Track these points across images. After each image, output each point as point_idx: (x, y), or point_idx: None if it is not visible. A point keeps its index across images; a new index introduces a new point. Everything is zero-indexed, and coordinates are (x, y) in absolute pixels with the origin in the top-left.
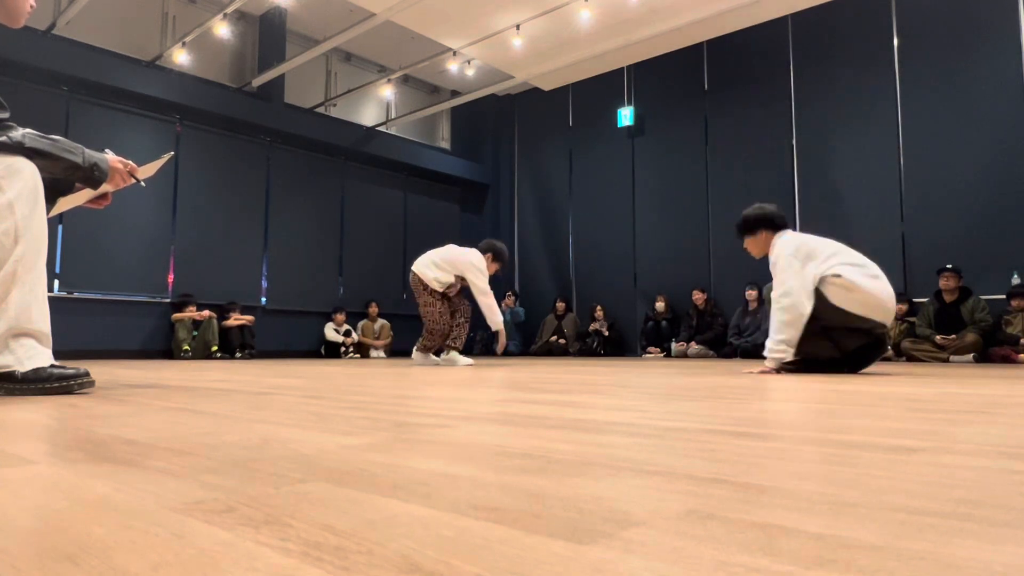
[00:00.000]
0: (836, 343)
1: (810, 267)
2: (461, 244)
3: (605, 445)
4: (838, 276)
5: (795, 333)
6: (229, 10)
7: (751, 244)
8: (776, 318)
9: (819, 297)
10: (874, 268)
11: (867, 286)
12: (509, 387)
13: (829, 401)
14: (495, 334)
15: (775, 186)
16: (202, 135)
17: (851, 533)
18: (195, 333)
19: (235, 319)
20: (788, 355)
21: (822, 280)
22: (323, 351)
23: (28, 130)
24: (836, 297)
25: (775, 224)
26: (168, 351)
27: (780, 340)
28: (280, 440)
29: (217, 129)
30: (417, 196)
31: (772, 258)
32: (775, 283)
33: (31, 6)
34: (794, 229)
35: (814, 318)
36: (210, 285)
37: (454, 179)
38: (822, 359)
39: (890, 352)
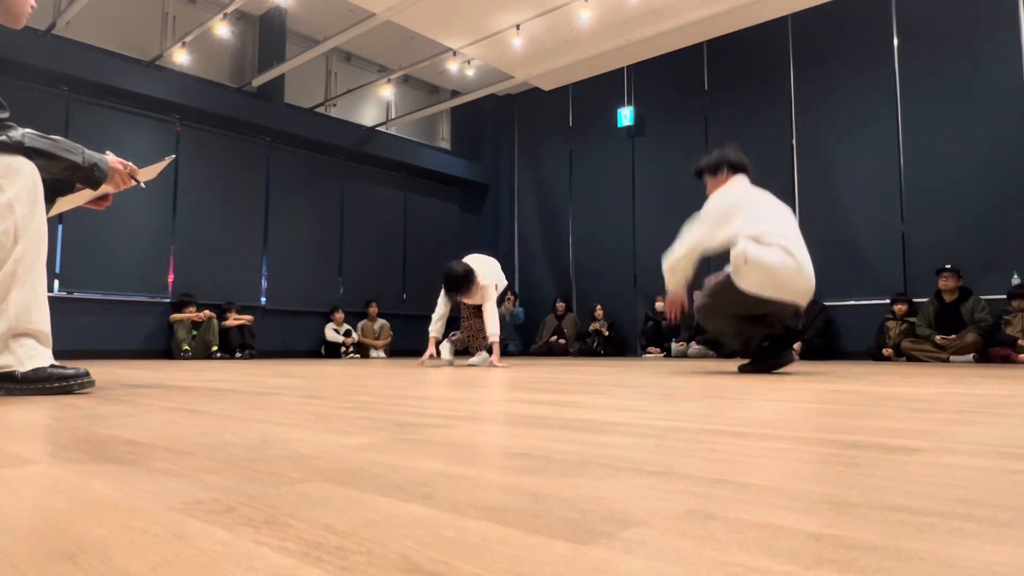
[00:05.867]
0: (740, 330)
1: (721, 232)
2: (461, 244)
3: (605, 445)
4: (745, 259)
5: (679, 278)
6: (229, 10)
7: (712, 185)
8: (670, 257)
9: (726, 286)
10: (792, 243)
11: (771, 264)
12: (509, 387)
13: (829, 401)
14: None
15: (775, 186)
16: (202, 135)
17: (851, 533)
18: (195, 333)
19: (233, 319)
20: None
21: (732, 263)
22: (323, 351)
23: (28, 130)
24: (743, 281)
25: (735, 167)
26: (168, 351)
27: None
28: (280, 440)
29: (217, 129)
30: (417, 196)
31: (709, 201)
32: (689, 229)
33: (32, 7)
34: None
35: (722, 302)
36: (210, 285)
37: (454, 179)
38: (727, 343)
39: (890, 352)
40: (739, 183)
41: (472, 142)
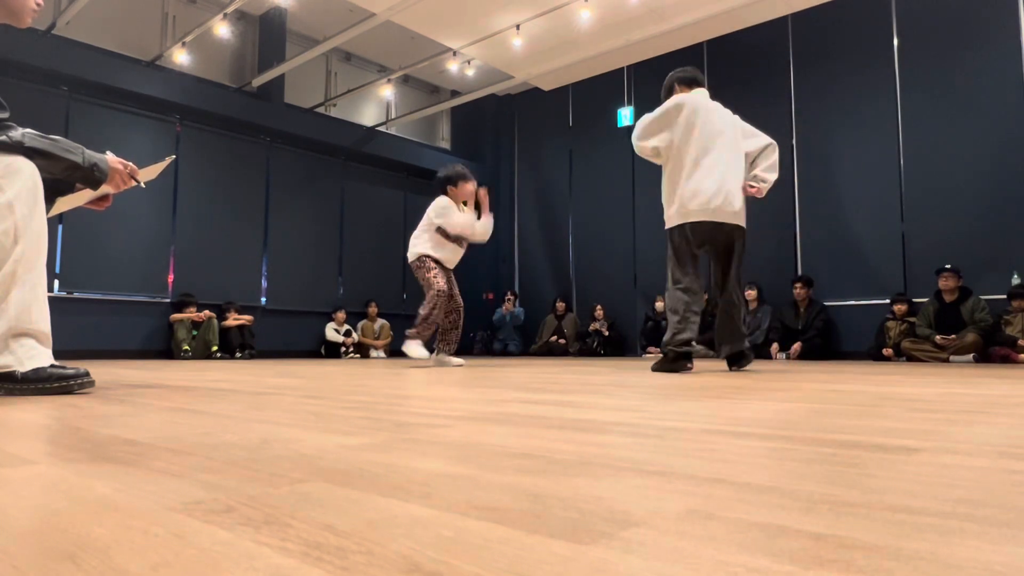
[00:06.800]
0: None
1: (654, 139)
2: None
3: (605, 445)
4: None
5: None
6: (229, 10)
7: None
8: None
9: (670, 241)
10: (687, 160)
11: (685, 200)
12: (509, 387)
13: (829, 401)
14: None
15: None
16: (202, 135)
17: (851, 533)
18: (195, 333)
19: (233, 319)
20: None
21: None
22: (323, 351)
23: (28, 130)
24: (669, 222)
25: (686, 82)
26: (168, 351)
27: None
28: (280, 440)
29: (217, 129)
30: (417, 196)
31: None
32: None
33: (37, 4)
34: (794, 229)
35: (676, 258)
36: (210, 285)
37: None
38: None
39: (890, 352)
40: (690, 93)
41: (472, 142)
